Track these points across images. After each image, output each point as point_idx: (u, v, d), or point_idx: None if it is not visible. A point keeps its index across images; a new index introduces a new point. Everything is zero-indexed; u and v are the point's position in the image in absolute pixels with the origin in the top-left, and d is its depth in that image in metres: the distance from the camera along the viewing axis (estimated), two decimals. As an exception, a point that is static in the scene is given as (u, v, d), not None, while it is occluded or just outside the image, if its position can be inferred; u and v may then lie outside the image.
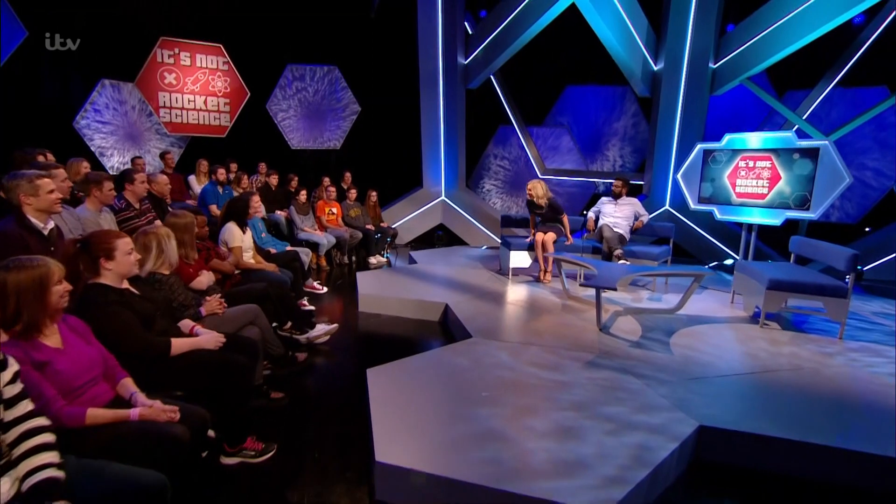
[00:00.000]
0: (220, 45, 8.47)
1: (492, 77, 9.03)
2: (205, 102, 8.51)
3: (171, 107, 8.30)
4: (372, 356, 3.56)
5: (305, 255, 5.27)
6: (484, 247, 8.23)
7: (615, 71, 8.23)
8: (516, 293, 5.01)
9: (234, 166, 7.36)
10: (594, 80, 10.20)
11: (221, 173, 6.17)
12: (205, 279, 3.01)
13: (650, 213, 6.31)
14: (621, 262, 4.90)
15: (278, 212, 6.83)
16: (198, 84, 8.40)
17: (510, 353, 3.31)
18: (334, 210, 7.12)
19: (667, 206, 7.53)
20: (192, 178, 6.95)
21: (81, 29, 7.72)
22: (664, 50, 7.31)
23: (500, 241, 6.31)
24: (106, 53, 8.00)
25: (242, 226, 4.04)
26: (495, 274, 5.76)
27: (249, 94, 8.80)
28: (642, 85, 7.85)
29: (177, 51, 8.18)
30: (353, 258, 7.28)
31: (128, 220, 3.73)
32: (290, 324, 3.67)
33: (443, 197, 8.76)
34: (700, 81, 7.17)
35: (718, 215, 5.88)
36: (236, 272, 3.70)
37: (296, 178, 7.57)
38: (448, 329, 4.34)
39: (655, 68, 7.66)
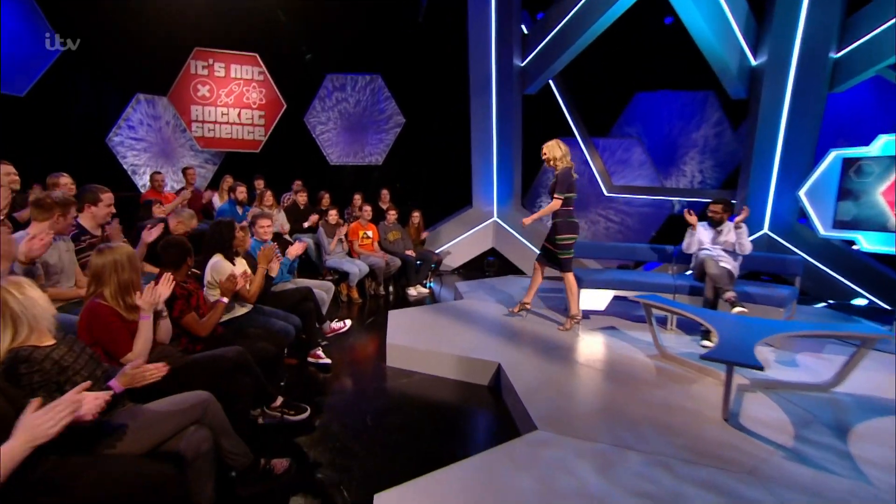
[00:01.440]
0: (256, 55, 7.91)
1: (551, 82, 7.95)
2: (238, 115, 7.94)
3: (203, 120, 7.78)
4: (388, 455, 2.52)
5: (326, 291, 4.33)
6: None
7: (693, 74, 6.98)
8: (590, 347, 3.83)
9: (259, 183, 6.65)
10: (668, 85, 8.90)
11: (241, 191, 5.42)
12: (140, 346, 2.05)
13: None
14: (737, 309, 3.62)
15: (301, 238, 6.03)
16: (232, 96, 7.85)
17: (598, 467, 2.16)
18: (369, 233, 6.21)
19: (765, 230, 6.10)
20: (215, 197, 6.29)
21: (116, 41, 7.37)
22: (768, 39, 5.96)
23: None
24: (142, 66, 7.61)
25: (231, 257, 3.17)
26: (561, 314, 4.58)
27: (286, 106, 8.16)
28: (737, 84, 6.49)
29: (211, 61, 7.68)
30: (391, 289, 6.32)
31: (79, 252, 2.94)
32: (280, 400, 2.69)
33: (495, 217, 7.69)
34: (816, 76, 5.76)
35: (866, 245, 4.44)
36: (219, 330, 2.76)
37: (327, 195, 6.76)
38: (501, 400, 3.23)
39: (755, 63, 6.30)
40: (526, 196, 8.43)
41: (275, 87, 8.05)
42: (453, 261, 7.84)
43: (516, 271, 7.47)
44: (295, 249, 3.93)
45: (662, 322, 4.31)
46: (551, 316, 4.61)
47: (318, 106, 8.54)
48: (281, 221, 6.01)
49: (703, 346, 3.82)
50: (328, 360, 3.66)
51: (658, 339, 3.62)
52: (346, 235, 5.98)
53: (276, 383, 2.92)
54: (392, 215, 6.51)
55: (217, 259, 3.07)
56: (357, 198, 6.82)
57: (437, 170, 8.63)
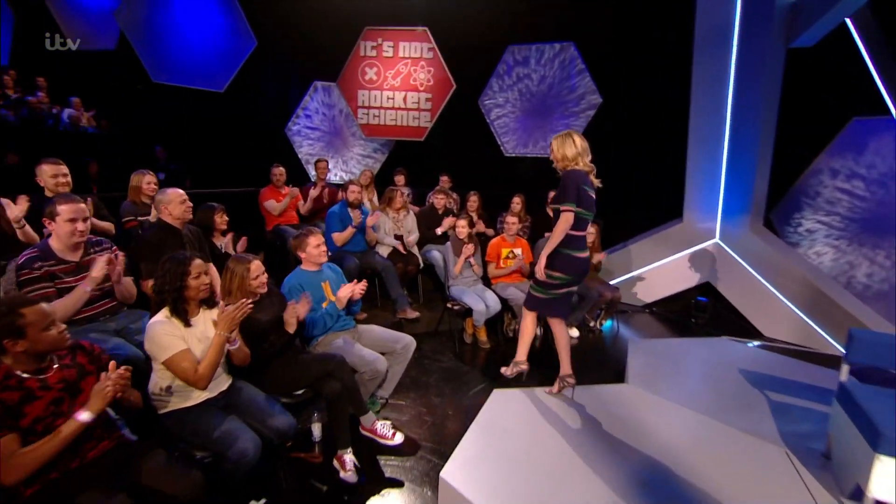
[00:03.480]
0: (426, 29, 6.90)
1: (849, 23, 4.87)
2: (404, 99, 7.11)
3: (369, 106, 7.20)
4: None
5: (390, 357, 2.95)
6: (789, 344, 4.41)
7: None
8: None
9: (399, 179, 5.67)
10: None
11: (353, 191, 4.44)
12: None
13: None
14: None
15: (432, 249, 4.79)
16: (398, 78, 7.05)
17: None
18: (518, 252, 4.60)
19: None
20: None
21: (298, 29, 7.27)
22: None
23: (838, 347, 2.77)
24: (320, 52, 7.41)
25: (185, 313, 2.06)
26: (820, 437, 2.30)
27: (455, 87, 6.99)
28: None
29: (379, 41, 6.98)
30: (541, 329, 4.63)
31: (30, 283, 2.20)
32: None
33: (716, 239, 5.21)
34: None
35: None
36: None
37: (475, 198, 5.37)
38: None
39: None
40: (775, 208, 5.53)
41: (444, 65, 6.94)
42: (646, 293, 5.63)
43: (738, 326, 4.90)
44: (302, 309, 2.64)
45: None
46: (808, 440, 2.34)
47: (494, 85, 7.15)
48: (408, 228, 4.89)
49: None
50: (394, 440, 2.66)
51: None
52: (481, 257, 4.52)
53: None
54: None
55: (159, 320, 2.00)
56: (516, 202, 5.26)
57: (634, 166, 6.33)
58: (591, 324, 4.97)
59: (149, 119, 7.72)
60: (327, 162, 5.61)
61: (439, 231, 5.00)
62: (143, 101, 7.83)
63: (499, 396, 2.96)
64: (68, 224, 2.30)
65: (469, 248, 4.32)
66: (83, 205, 2.36)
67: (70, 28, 7.82)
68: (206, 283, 2.10)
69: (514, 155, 7.25)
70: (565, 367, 3.02)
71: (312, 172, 7.62)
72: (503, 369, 3.21)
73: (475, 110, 7.21)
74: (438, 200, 5.15)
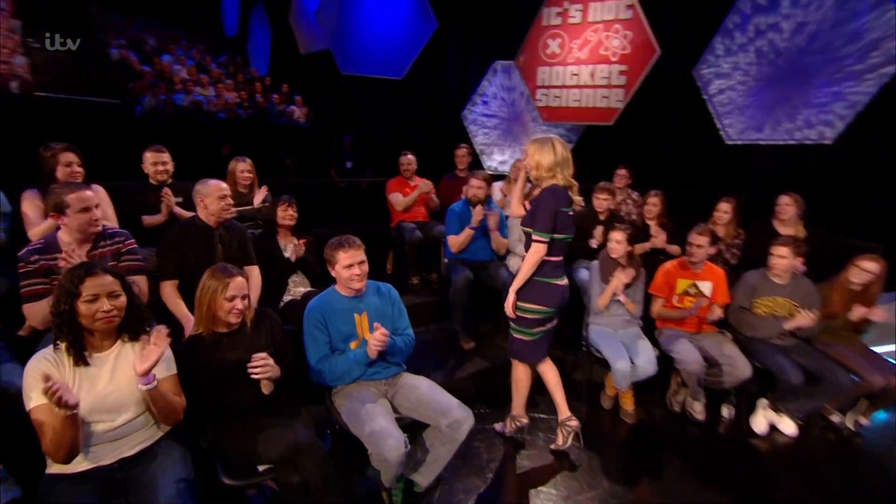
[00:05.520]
0: (626, -19, 5.38)
1: None
2: (591, 75, 5.74)
3: (549, 85, 6.07)
4: None
5: (440, 436, 2.01)
6: None
7: None
8: None
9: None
10: None
11: (473, 185, 3.51)
12: None
13: None
14: None
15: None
16: (586, 48, 5.72)
17: None
18: (705, 286, 3.01)
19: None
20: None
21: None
22: None
23: None
24: (503, 29, 6.62)
25: (80, 349, 1.52)
26: None
27: (658, 53, 5.30)
28: None
29: (566, 5, 5.76)
30: (726, 412, 2.98)
31: (24, 277, 1.99)
32: None
33: None
34: None
35: None
36: None
37: (655, 198, 3.85)
38: None
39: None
40: None
41: (646, 26, 5.31)
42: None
43: None
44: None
45: None
46: None
47: (719, 47, 5.18)
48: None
49: None
50: None
51: None
52: (643, 289, 3.11)
53: None
54: (788, 260, 2.96)
55: (43, 352, 1.50)
56: (723, 210, 3.62)
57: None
58: (837, 419, 3.03)
59: (344, 110, 8.18)
60: (468, 148, 4.77)
61: (594, 243, 3.70)
62: (345, 94, 8.35)
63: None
64: (82, 214, 2.05)
65: (623, 276, 2.99)
66: (89, 192, 2.10)
67: (302, 36, 8.80)
68: (108, 311, 1.55)
69: (739, 142, 5.20)
70: (563, 410, 2.64)
71: (487, 164, 7.00)
72: (497, 425, 2.85)
73: (684, 84, 5.39)
74: (601, 201, 3.82)
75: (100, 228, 2.14)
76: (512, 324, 2.55)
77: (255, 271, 2.61)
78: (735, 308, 3.06)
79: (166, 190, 2.90)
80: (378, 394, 2.13)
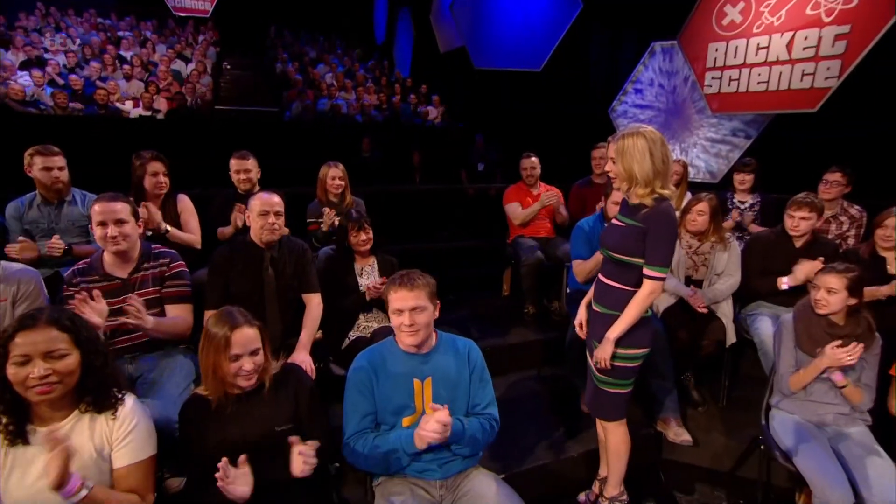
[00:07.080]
0: None
1: None
2: (788, 46, 4.30)
3: (724, 66, 4.76)
4: None
5: None
6: None
7: None
8: None
9: (742, 178, 3.35)
10: None
11: (615, 198, 2.62)
12: None
13: None
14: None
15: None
16: (782, 10, 4.31)
17: None
18: None
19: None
20: None
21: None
22: None
23: None
24: (654, 7, 5.46)
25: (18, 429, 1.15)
26: None
27: (903, 8, 3.69)
28: None
29: (753, -42, 4.42)
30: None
31: (65, 301, 1.78)
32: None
33: None
34: None
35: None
36: None
37: (893, 219, 2.53)
38: None
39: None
40: None
41: (885, -31, 3.75)
42: None
43: None
44: None
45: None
46: None
47: None
48: (718, 268, 2.69)
49: None
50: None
51: None
52: (879, 364, 1.97)
53: None
54: None
55: None
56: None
57: None
58: None
59: (478, 108, 7.71)
60: (600, 149, 3.81)
61: (786, 284, 2.56)
62: (480, 91, 7.88)
63: None
64: (99, 228, 1.83)
65: (842, 355, 1.88)
66: (117, 204, 1.84)
67: (441, 34, 8.58)
68: (43, 377, 1.17)
69: None
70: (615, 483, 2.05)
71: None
72: (581, 496, 2.26)
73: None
74: (801, 221, 2.64)
75: (120, 247, 1.87)
76: (602, 376, 1.90)
77: (314, 300, 2.19)
78: None
79: (239, 205, 2.64)
80: (428, 500, 1.52)
